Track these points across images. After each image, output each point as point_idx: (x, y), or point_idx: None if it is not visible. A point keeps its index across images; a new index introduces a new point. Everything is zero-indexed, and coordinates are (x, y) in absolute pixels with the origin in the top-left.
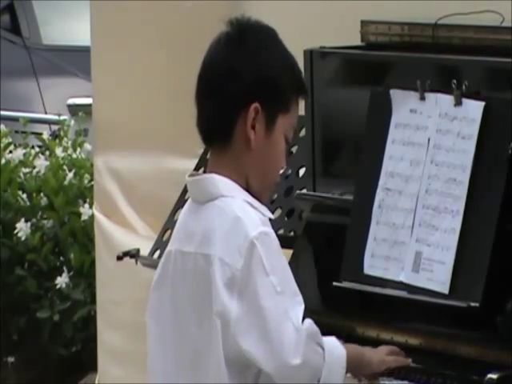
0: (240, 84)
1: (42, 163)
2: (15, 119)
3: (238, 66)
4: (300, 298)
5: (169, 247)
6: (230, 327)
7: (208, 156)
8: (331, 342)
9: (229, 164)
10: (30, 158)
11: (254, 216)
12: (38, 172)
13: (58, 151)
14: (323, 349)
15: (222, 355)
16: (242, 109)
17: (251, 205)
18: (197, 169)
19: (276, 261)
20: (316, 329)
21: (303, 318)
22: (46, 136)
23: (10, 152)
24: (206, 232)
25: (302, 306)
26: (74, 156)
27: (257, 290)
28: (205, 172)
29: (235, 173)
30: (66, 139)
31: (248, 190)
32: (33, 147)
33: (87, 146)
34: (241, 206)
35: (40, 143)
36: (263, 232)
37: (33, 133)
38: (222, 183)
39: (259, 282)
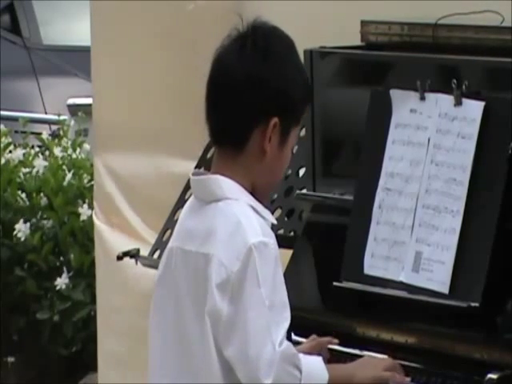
0: (263, 96)
1: (40, 163)
2: (15, 119)
3: (266, 78)
4: (287, 314)
5: (170, 244)
6: (219, 327)
7: (209, 155)
8: (314, 364)
9: (237, 169)
10: (30, 159)
11: (255, 223)
12: (37, 172)
13: (57, 151)
14: (301, 371)
15: (214, 354)
16: (261, 120)
17: (255, 209)
18: (197, 168)
19: (270, 273)
20: (293, 352)
21: (294, 327)
22: (45, 136)
23: (10, 152)
24: (208, 232)
25: (287, 323)
26: (74, 156)
27: (246, 299)
28: (207, 171)
29: (242, 177)
30: (65, 139)
31: (252, 192)
32: (32, 147)
33: (86, 146)
34: (244, 210)
35: (40, 143)
36: (263, 242)
37: (32, 133)
38: (226, 185)
39: (250, 292)
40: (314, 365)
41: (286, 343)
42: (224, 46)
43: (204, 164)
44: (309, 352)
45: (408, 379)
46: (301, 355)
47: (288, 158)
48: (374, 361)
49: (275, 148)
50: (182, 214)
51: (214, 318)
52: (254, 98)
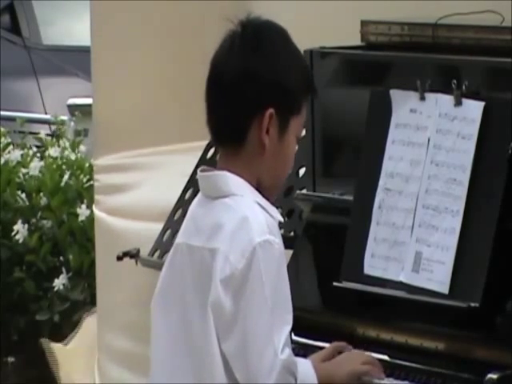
0: (257, 89)
1: (35, 165)
2: (15, 119)
3: (256, 70)
4: (290, 317)
5: (177, 240)
6: (221, 321)
7: (209, 155)
8: (305, 369)
9: (241, 165)
10: (28, 159)
11: (262, 220)
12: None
13: (52, 151)
14: (296, 379)
15: (216, 348)
16: (257, 113)
17: (261, 206)
18: (197, 168)
19: (274, 273)
20: (293, 360)
21: (294, 327)
22: (42, 135)
23: (10, 152)
24: (215, 227)
25: (289, 325)
26: (73, 157)
27: (249, 299)
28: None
29: (247, 173)
30: (64, 139)
31: (258, 189)
32: (31, 147)
33: (81, 148)
34: (250, 206)
35: (38, 143)
36: (268, 241)
37: (31, 133)
38: (233, 181)
39: (253, 291)
40: (306, 371)
41: (288, 351)
42: (218, 47)
43: (204, 164)
44: (327, 358)
45: (383, 376)
46: (297, 361)
47: (292, 149)
48: (352, 355)
49: (275, 139)
50: (190, 210)
51: (217, 311)
52: (246, 92)
